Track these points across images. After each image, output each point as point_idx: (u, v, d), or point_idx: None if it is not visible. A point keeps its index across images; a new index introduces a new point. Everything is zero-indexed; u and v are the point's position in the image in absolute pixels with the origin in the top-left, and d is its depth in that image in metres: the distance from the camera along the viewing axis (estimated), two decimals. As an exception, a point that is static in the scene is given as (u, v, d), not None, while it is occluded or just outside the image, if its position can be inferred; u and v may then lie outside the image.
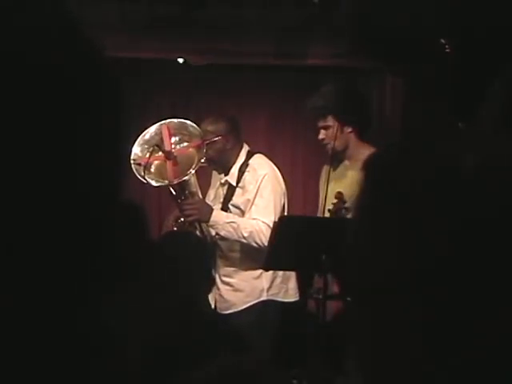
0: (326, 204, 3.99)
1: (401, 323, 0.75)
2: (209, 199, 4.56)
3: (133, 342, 2.17)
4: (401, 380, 0.76)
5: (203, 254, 3.15)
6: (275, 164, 4.62)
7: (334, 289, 3.81)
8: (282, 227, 3.87)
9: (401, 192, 0.77)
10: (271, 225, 4.25)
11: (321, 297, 3.70)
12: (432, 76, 4.90)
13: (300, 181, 6.08)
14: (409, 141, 0.88)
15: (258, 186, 4.39)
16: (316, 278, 3.92)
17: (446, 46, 4.73)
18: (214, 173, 4.67)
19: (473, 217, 0.73)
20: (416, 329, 0.74)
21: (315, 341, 3.73)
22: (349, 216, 3.76)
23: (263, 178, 4.41)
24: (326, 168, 4.34)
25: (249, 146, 4.66)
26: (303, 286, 4.40)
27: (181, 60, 5.58)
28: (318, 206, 4.37)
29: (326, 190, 4.03)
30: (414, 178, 0.77)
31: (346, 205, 3.85)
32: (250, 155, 4.52)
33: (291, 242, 3.73)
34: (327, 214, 3.98)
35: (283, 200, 4.49)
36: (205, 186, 4.67)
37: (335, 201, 3.94)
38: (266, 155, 4.67)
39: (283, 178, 4.71)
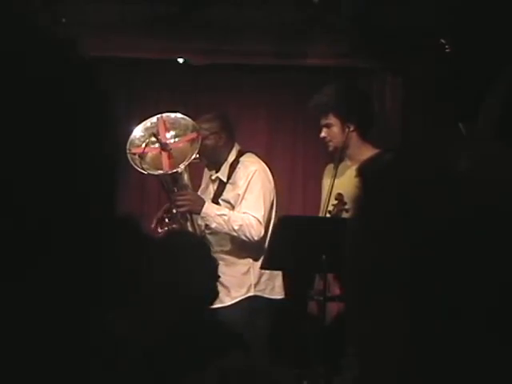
0: (328, 204, 3.99)
1: (399, 322, 0.75)
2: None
3: (133, 343, 2.17)
4: (400, 379, 0.76)
5: (203, 253, 3.15)
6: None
7: (335, 290, 3.80)
8: (282, 227, 3.88)
9: (394, 196, 0.77)
10: (261, 219, 4.40)
11: (322, 298, 3.70)
12: (432, 76, 4.90)
13: (300, 181, 6.08)
14: (405, 145, 0.88)
15: (249, 182, 4.49)
16: (317, 280, 3.92)
17: (446, 46, 4.74)
18: (205, 171, 4.77)
19: (466, 219, 0.73)
20: (415, 328, 0.74)
21: (315, 341, 3.73)
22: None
23: (254, 173, 4.51)
24: (329, 167, 4.34)
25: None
26: (301, 286, 4.41)
27: (181, 60, 5.58)
28: (318, 206, 4.38)
29: (329, 189, 4.03)
30: (407, 182, 0.77)
31: (346, 206, 3.85)
32: (240, 153, 4.63)
33: (291, 242, 3.73)
34: (328, 216, 3.98)
35: (272, 197, 4.58)
36: (196, 187, 4.74)
37: (335, 202, 3.93)
38: (259, 155, 4.75)
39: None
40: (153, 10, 5.06)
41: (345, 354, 3.24)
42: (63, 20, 4.90)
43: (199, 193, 4.68)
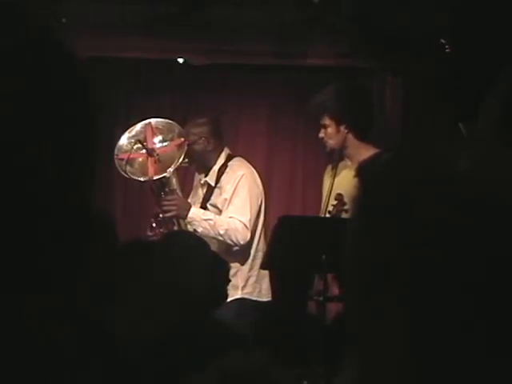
0: (328, 204, 3.99)
1: (399, 322, 0.75)
2: (189, 199, 4.70)
3: (133, 342, 2.17)
4: (400, 379, 0.76)
5: (204, 253, 3.15)
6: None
7: (334, 291, 3.80)
8: (281, 227, 3.87)
9: (394, 196, 0.77)
10: (247, 224, 4.45)
11: (321, 299, 3.70)
12: (432, 76, 4.90)
13: (300, 181, 6.08)
14: (405, 145, 0.88)
15: (236, 186, 4.53)
16: (316, 280, 3.91)
17: (446, 46, 4.74)
18: (196, 175, 4.82)
19: (466, 219, 0.73)
20: (414, 328, 0.74)
21: (315, 341, 3.73)
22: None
23: (241, 178, 4.55)
24: (329, 167, 4.34)
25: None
26: (300, 286, 4.41)
27: (181, 60, 5.58)
28: (318, 206, 4.38)
29: (328, 190, 4.02)
30: (406, 182, 0.77)
31: (346, 206, 3.85)
32: (229, 158, 4.67)
33: (291, 242, 3.73)
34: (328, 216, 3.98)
35: (260, 202, 4.61)
36: (189, 192, 4.80)
37: (335, 202, 3.93)
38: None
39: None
40: (153, 9, 5.06)
41: (345, 354, 3.24)
42: (63, 20, 4.90)
43: (190, 197, 4.74)
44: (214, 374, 1.34)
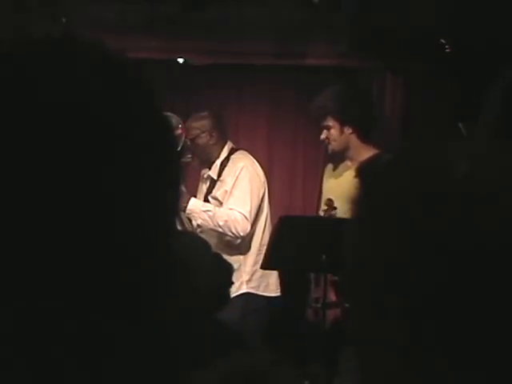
0: (319, 209, 4.00)
1: (399, 323, 0.75)
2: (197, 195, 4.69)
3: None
4: (400, 379, 0.76)
5: (206, 254, 3.14)
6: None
7: (331, 297, 3.79)
8: (282, 227, 3.88)
9: (394, 197, 0.77)
10: (247, 215, 4.41)
11: (320, 306, 3.70)
12: (432, 76, 4.90)
13: (300, 181, 6.08)
14: (405, 145, 0.88)
15: (236, 177, 4.51)
16: (313, 288, 3.90)
17: (446, 46, 4.73)
18: (202, 172, 4.80)
19: (465, 219, 0.73)
20: (415, 328, 0.74)
21: (315, 342, 3.73)
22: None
23: (241, 169, 4.52)
24: (328, 167, 4.34)
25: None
26: (300, 286, 4.41)
27: (181, 60, 5.59)
28: (318, 206, 4.38)
29: (321, 192, 4.03)
30: (405, 182, 0.77)
31: (337, 211, 3.84)
32: (232, 151, 4.65)
33: (291, 242, 3.73)
34: None
35: (262, 193, 4.57)
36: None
37: (325, 208, 3.92)
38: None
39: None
40: (153, 9, 5.06)
41: (344, 355, 3.24)
42: (63, 20, 4.90)
43: (198, 192, 4.71)
44: (214, 374, 1.34)
